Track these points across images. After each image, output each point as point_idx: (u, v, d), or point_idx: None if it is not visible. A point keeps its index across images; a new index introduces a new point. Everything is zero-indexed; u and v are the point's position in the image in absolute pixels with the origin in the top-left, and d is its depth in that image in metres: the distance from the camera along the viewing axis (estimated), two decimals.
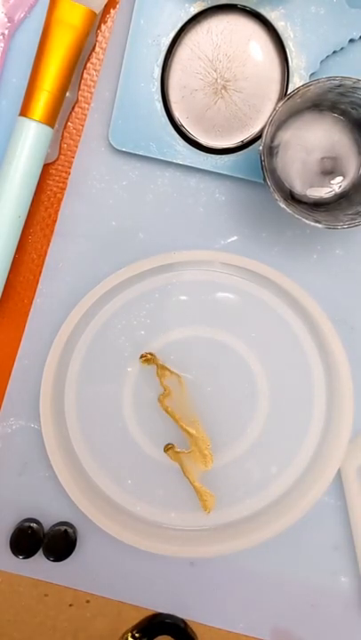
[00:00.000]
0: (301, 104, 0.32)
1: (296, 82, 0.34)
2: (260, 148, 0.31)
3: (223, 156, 0.35)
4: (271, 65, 0.34)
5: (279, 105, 0.30)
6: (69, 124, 0.36)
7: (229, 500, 0.36)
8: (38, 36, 0.33)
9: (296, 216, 0.30)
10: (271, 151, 0.33)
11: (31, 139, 0.32)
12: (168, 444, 0.35)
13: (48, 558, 0.36)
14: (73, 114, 0.36)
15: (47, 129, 0.33)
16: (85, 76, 0.36)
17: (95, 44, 0.36)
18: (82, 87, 0.36)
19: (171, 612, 0.37)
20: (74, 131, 0.36)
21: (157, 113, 0.34)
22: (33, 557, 0.36)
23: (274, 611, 0.37)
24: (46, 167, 0.36)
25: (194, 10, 0.34)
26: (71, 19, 0.32)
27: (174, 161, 0.35)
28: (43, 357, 0.35)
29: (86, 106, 0.36)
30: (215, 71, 0.34)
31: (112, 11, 0.36)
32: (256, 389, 0.36)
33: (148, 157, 0.35)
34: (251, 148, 0.35)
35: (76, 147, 0.36)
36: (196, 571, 0.37)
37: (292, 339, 0.36)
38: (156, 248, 0.35)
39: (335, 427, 0.35)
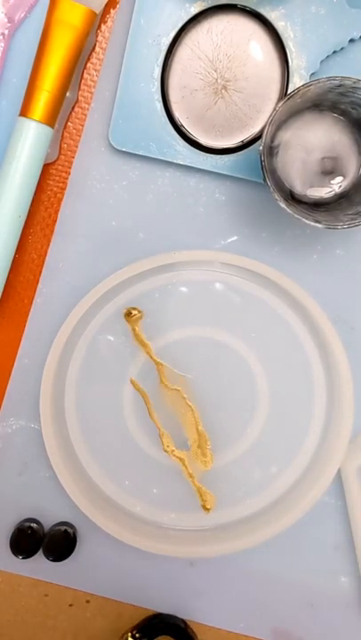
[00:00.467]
0: (302, 104, 0.32)
1: (296, 82, 0.34)
2: (261, 148, 0.31)
3: (223, 155, 0.35)
4: (271, 65, 0.34)
5: (279, 105, 0.30)
6: (69, 124, 0.36)
7: (229, 500, 0.36)
8: (38, 36, 0.33)
9: (296, 216, 0.30)
10: (271, 151, 0.33)
11: (31, 139, 0.32)
12: (168, 444, 0.35)
13: (48, 558, 0.36)
14: (73, 114, 0.36)
15: (47, 129, 0.33)
16: (85, 75, 0.36)
17: (95, 44, 0.36)
18: (82, 87, 0.36)
19: (171, 612, 0.37)
20: (74, 131, 0.36)
21: (157, 113, 0.34)
22: (33, 557, 0.36)
23: (274, 611, 0.37)
24: (46, 167, 0.36)
25: (194, 10, 0.34)
26: (71, 19, 0.32)
27: (174, 161, 0.35)
28: (43, 357, 0.35)
29: (86, 106, 0.36)
30: (215, 71, 0.34)
31: (112, 11, 0.36)
32: (256, 389, 0.36)
33: (148, 157, 0.35)
34: (251, 148, 0.35)
35: (76, 147, 0.36)
36: (196, 571, 0.37)
37: (292, 339, 0.36)
38: (156, 248, 0.35)
39: (335, 426, 0.35)
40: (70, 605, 0.37)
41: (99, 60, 0.36)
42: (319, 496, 0.34)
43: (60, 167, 0.36)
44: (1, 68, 0.35)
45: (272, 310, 0.36)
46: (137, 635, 0.36)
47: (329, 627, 0.37)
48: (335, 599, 0.37)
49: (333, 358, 0.35)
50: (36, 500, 0.37)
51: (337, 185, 0.34)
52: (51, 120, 0.33)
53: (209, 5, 0.33)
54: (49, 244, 0.36)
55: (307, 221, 0.30)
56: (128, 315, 0.35)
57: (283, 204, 0.30)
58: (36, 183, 0.34)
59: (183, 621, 0.37)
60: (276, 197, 0.30)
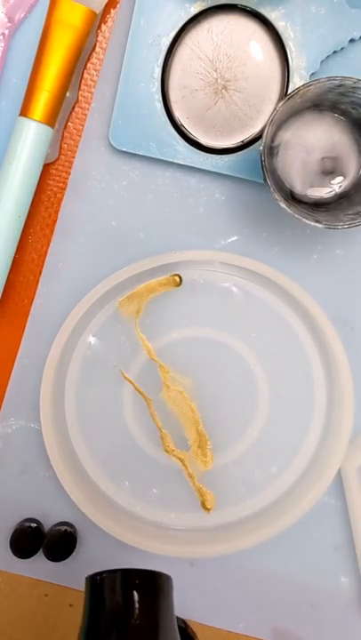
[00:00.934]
0: (302, 104, 0.32)
1: (296, 82, 0.34)
2: (261, 147, 0.31)
3: (223, 155, 0.35)
4: (271, 65, 0.34)
5: (279, 105, 0.30)
6: (69, 123, 0.36)
7: (229, 500, 0.36)
8: (38, 36, 0.33)
9: (296, 216, 0.30)
10: (271, 151, 0.33)
11: (31, 139, 0.32)
12: (168, 444, 0.35)
13: (48, 558, 0.36)
14: (73, 114, 0.36)
15: (47, 129, 0.33)
16: (85, 75, 0.36)
17: (95, 44, 0.36)
18: (82, 87, 0.36)
19: None
20: (74, 131, 0.36)
21: (158, 113, 0.34)
22: (33, 557, 0.36)
23: (274, 611, 0.37)
24: (46, 167, 0.36)
25: (194, 10, 0.34)
26: (71, 19, 0.32)
27: (174, 161, 0.35)
28: (43, 357, 0.35)
29: (86, 106, 0.36)
30: (215, 71, 0.34)
31: (112, 11, 0.36)
32: (256, 389, 0.36)
33: (148, 157, 0.35)
34: (251, 147, 0.35)
35: (77, 147, 0.36)
36: (196, 571, 0.37)
37: (292, 339, 0.36)
38: (156, 248, 0.35)
39: (335, 426, 0.35)
40: (70, 605, 0.37)
41: (99, 59, 0.36)
42: (319, 496, 0.34)
43: (60, 167, 0.36)
44: (1, 68, 0.35)
45: (272, 310, 0.36)
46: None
47: (329, 627, 0.37)
48: (335, 599, 0.37)
49: (333, 358, 0.35)
50: (36, 500, 0.37)
51: (337, 185, 0.34)
52: (51, 120, 0.33)
53: (209, 5, 0.33)
54: (49, 244, 0.36)
55: (307, 221, 0.30)
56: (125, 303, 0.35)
57: (283, 204, 0.30)
58: (36, 183, 0.34)
59: (183, 621, 0.36)
60: (277, 197, 0.30)
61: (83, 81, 0.36)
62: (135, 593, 0.26)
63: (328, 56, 0.34)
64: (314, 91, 0.31)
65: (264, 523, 0.35)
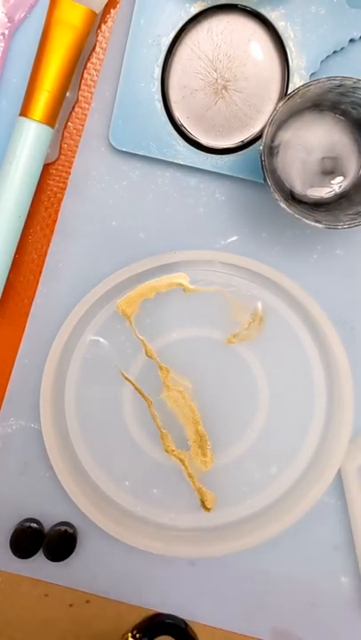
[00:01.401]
0: (302, 104, 0.32)
1: (296, 82, 0.34)
2: (261, 147, 0.31)
3: (223, 155, 0.35)
4: (271, 65, 0.34)
5: (279, 105, 0.30)
6: (69, 123, 0.36)
7: (229, 500, 0.36)
8: (38, 36, 0.33)
9: (296, 216, 0.30)
10: (271, 151, 0.33)
11: (31, 139, 0.32)
12: (168, 444, 0.35)
13: (48, 558, 0.36)
14: (73, 114, 0.36)
15: (47, 129, 0.33)
16: (85, 75, 0.36)
17: (95, 44, 0.36)
18: (82, 87, 0.36)
19: (171, 612, 0.37)
20: (74, 131, 0.36)
21: (158, 113, 0.34)
22: (33, 557, 0.36)
23: (274, 611, 0.37)
24: (46, 167, 0.36)
25: (194, 10, 0.34)
26: (71, 19, 0.32)
27: (174, 161, 0.35)
28: (43, 357, 0.35)
29: (86, 106, 0.36)
30: (215, 71, 0.34)
31: (112, 10, 0.36)
32: (256, 389, 0.36)
33: (148, 157, 0.35)
34: (251, 147, 0.35)
35: (77, 147, 0.36)
36: (196, 571, 0.37)
37: (292, 339, 0.36)
38: (156, 248, 0.35)
39: (335, 426, 0.35)
40: (70, 605, 0.37)
41: (99, 59, 0.36)
42: (319, 496, 0.34)
43: (60, 167, 0.36)
44: (1, 68, 0.35)
45: (272, 310, 0.36)
46: (137, 635, 0.36)
47: (329, 627, 0.37)
48: (335, 599, 0.37)
49: (333, 358, 0.35)
50: (36, 500, 0.37)
51: (337, 185, 0.34)
52: (51, 120, 0.33)
53: (209, 5, 0.33)
54: (49, 244, 0.36)
55: (307, 221, 0.30)
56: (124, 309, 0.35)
57: (283, 204, 0.30)
58: (36, 183, 0.34)
59: (183, 621, 0.37)
60: (277, 197, 0.30)
61: (83, 81, 0.36)
62: None
63: (328, 56, 0.34)
64: (314, 91, 0.31)
65: (264, 523, 0.35)
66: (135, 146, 0.35)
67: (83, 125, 0.36)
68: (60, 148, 0.36)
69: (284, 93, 0.34)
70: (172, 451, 0.35)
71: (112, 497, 0.36)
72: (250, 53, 0.34)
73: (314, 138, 0.34)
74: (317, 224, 0.30)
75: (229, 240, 0.36)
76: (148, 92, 0.34)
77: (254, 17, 0.34)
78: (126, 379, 0.35)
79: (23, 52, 0.35)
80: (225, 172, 0.35)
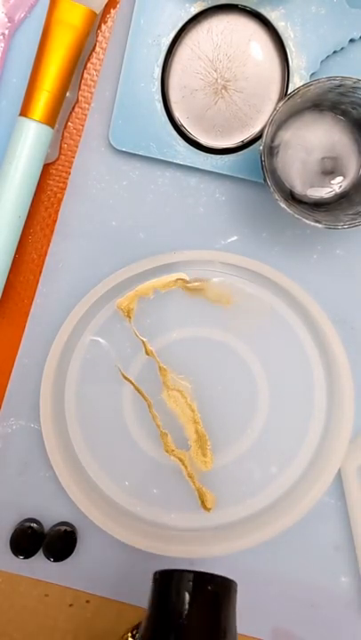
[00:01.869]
0: (302, 104, 0.32)
1: (296, 82, 0.34)
2: (261, 147, 0.31)
3: (223, 155, 0.35)
4: (271, 65, 0.34)
5: (279, 105, 0.30)
6: (69, 123, 0.36)
7: (229, 500, 0.36)
8: (38, 36, 0.33)
9: (296, 216, 0.30)
10: (271, 151, 0.33)
11: (31, 139, 0.32)
12: (168, 444, 0.35)
13: (48, 558, 0.36)
14: (73, 114, 0.36)
15: (47, 129, 0.33)
16: (86, 75, 0.36)
17: (95, 44, 0.36)
18: (82, 87, 0.36)
19: None
20: (74, 131, 0.36)
21: (158, 113, 0.34)
22: (33, 557, 0.36)
23: (274, 611, 0.37)
24: (46, 167, 0.36)
25: (194, 10, 0.34)
26: (71, 19, 0.32)
27: (174, 161, 0.35)
28: (43, 357, 0.35)
29: (86, 106, 0.36)
30: (215, 71, 0.34)
31: (112, 11, 0.36)
32: (256, 389, 0.36)
33: (148, 157, 0.35)
34: (251, 147, 0.35)
35: (77, 147, 0.36)
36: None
37: (292, 339, 0.36)
38: (156, 248, 0.35)
39: (336, 426, 0.35)
40: (70, 605, 0.37)
41: (99, 59, 0.36)
42: (319, 496, 0.34)
43: (60, 167, 0.36)
44: (1, 68, 0.35)
45: (272, 310, 0.36)
46: (137, 635, 0.36)
47: (329, 627, 0.37)
48: (335, 599, 0.37)
49: (333, 358, 0.35)
50: (36, 500, 0.37)
51: (337, 185, 0.34)
52: (51, 120, 0.33)
53: (209, 5, 0.33)
54: (49, 244, 0.36)
55: (307, 221, 0.30)
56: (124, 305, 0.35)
57: (283, 204, 0.30)
58: (36, 183, 0.34)
59: None
60: (277, 197, 0.30)
61: (83, 81, 0.36)
62: (203, 597, 0.26)
63: (328, 56, 0.34)
64: (314, 91, 0.31)
65: (264, 523, 0.35)
66: (135, 146, 0.35)
67: (83, 125, 0.36)
68: (60, 148, 0.36)
69: (284, 93, 0.34)
70: (172, 451, 0.35)
71: (112, 497, 0.35)
72: (250, 53, 0.34)
73: (314, 138, 0.34)
74: (317, 224, 0.30)
75: (229, 240, 0.36)
76: (148, 92, 0.34)
77: (254, 17, 0.34)
78: (126, 379, 0.35)
79: (23, 52, 0.35)
80: (225, 172, 0.35)
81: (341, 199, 0.34)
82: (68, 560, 0.36)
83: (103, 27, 0.36)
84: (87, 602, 0.37)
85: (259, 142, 0.34)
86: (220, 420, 0.36)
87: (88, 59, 0.36)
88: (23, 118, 0.32)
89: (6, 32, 0.35)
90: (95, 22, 0.34)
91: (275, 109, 0.30)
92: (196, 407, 0.36)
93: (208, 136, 0.35)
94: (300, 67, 0.34)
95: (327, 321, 0.34)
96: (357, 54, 0.34)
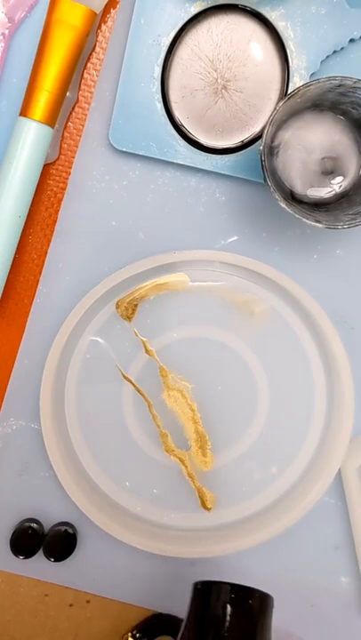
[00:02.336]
0: (302, 104, 0.32)
1: (296, 82, 0.34)
2: (261, 147, 0.31)
3: (223, 155, 0.35)
4: (272, 65, 0.34)
5: (280, 105, 0.30)
6: (70, 123, 0.36)
7: (229, 500, 0.36)
8: (38, 36, 0.33)
9: (297, 216, 0.30)
10: (272, 151, 0.33)
11: (31, 139, 0.32)
12: (168, 444, 0.35)
13: (48, 558, 0.36)
14: (73, 114, 0.36)
15: (47, 129, 0.33)
16: (86, 75, 0.36)
17: (95, 44, 0.36)
18: (82, 87, 0.36)
19: (171, 612, 0.37)
20: (74, 131, 0.36)
21: (158, 113, 0.34)
22: (33, 557, 0.36)
23: (274, 611, 0.37)
24: (46, 167, 0.36)
25: (194, 9, 0.34)
26: (71, 19, 0.32)
27: (174, 161, 0.35)
28: (43, 357, 0.35)
29: (86, 106, 0.36)
30: (215, 71, 0.34)
31: (112, 10, 0.36)
32: (256, 389, 0.36)
33: (148, 157, 0.35)
34: (251, 147, 0.35)
35: (77, 147, 0.36)
36: (196, 571, 0.37)
37: (292, 339, 0.36)
38: (156, 248, 0.35)
39: (336, 426, 0.35)
40: (70, 605, 0.37)
41: (99, 59, 0.36)
42: (319, 496, 0.34)
43: (60, 167, 0.36)
44: (1, 68, 0.35)
45: (272, 310, 0.36)
46: (137, 635, 0.36)
47: (329, 627, 0.37)
48: (335, 599, 0.37)
49: (333, 358, 0.35)
50: (36, 500, 0.37)
51: (337, 185, 0.34)
52: (51, 120, 0.33)
53: (209, 5, 0.33)
54: (49, 244, 0.36)
55: (307, 221, 0.30)
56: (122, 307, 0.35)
57: (283, 204, 0.30)
58: (36, 183, 0.34)
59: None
60: (277, 197, 0.30)
61: (83, 81, 0.36)
62: (244, 610, 0.27)
63: (328, 56, 0.34)
64: (314, 91, 0.31)
65: (264, 523, 0.35)
66: (135, 146, 0.35)
67: (83, 125, 0.36)
68: (60, 148, 0.36)
69: (284, 93, 0.34)
70: (172, 451, 0.35)
71: (112, 497, 0.35)
72: (250, 53, 0.34)
73: (314, 138, 0.34)
74: (317, 224, 0.30)
75: (229, 240, 0.36)
76: (148, 91, 0.34)
77: (254, 17, 0.34)
78: (126, 379, 0.35)
79: (23, 52, 0.35)
80: (225, 172, 0.35)
81: (341, 199, 0.34)
82: (68, 560, 0.36)
83: (103, 27, 0.36)
84: (87, 602, 0.37)
85: (259, 142, 0.34)
86: (221, 420, 0.36)
87: (88, 59, 0.36)
88: (23, 118, 0.32)
89: (6, 32, 0.35)
90: (95, 22, 0.34)
91: (275, 109, 0.30)
92: (196, 407, 0.36)
93: (208, 136, 0.35)
94: (300, 66, 0.34)
95: (327, 321, 0.34)
96: (357, 54, 0.34)
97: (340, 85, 0.30)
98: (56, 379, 0.35)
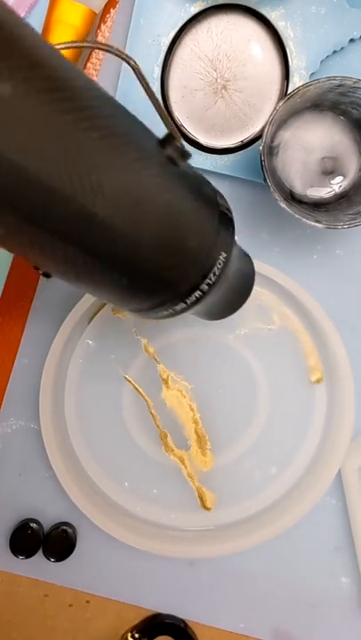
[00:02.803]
0: (302, 104, 0.32)
1: (296, 82, 0.34)
2: (261, 147, 0.31)
3: (223, 155, 0.35)
4: (271, 65, 0.34)
5: (279, 105, 0.30)
6: None
7: (229, 500, 0.36)
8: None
9: (297, 216, 0.30)
10: (271, 151, 0.33)
11: None
12: (168, 444, 0.35)
13: (48, 558, 0.36)
14: None
15: None
16: None
17: None
18: None
19: (171, 612, 0.37)
20: None
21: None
22: (33, 557, 0.36)
23: (274, 611, 0.37)
24: None
25: (194, 9, 0.34)
26: (71, 18, 0.32)
27: None
28: (43, 357, 0.35)
29: None
30: (215, 71, 0.34)
31: (112, 10, 0.36)
32: (256, 389, 0.36)
33: None
34: (251, 147, 0.34)
35: None
36: (196, 571, 0.37)
37: (292, 339, 0.36)
38: None
39: (336, 427, 0.35)
40: (70, 605, 0.37)
41: (99, 59, 0.36)
42: (320, 496, 0.34)
43: None
44: None
45: (272, 310, 0.36)
46: (137, 635, 0.36)
47: (329, 627, 0.37)
48: (336, 600, 0.37)
49: (333, 358, 0.35)
50: (36, 500, 0.37)
51: (337, 185, 0.34)
52: None
53: (209, 5, 0.33)
54: None
55: (307, 221, 0.30)
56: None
57: (283, 204, 0.30)
58: None
59: (183, 621, 0.36)
60: (277, 197, 0.30)
61: None
62: None
63: (328, 56, 0.34)
64: (314, 91, 0.31)
65: (264, 523, 0.35)
66: None
67: None
68: None
69: (284, 93, 0.34)
70: (172, 451, 0.35)
71: (112, 497, 0.35)
72: (250, 53, 0.34)
73: (314, 138, 0.34)
74: (317, 224, 0.30)
75: None
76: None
77: (254, 17, 0.34)
78: (126, 379, 0.35)
79: None
80: (225, 172, 0.35)
81: (341, 199, 0.34)
82: (68, 560, 0.36)
83: (103, 26, 0.36)
84: (87, 602, 0.37)
85: (259, 142, 0.34)
86: (220, 420, 0.36)
87: (88, 59, 0.36)
88: None
89: None
90: (95, 22, 0.34)
91: (275, 109, 0.30)
92: (196, 407, 0.36)
93: (208, 136, 0.35)
94: (300, 66, 0.34)
95: (328, 320, 0.34)
96: (357, 54, 0.34)
97: (340, 85, 0.30)
98: (56, 379, 0.35)
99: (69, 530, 0.36)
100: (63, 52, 0.32)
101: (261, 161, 0.30)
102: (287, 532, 0.34)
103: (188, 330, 0.36)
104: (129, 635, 0.36)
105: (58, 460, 0.34)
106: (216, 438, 0.36)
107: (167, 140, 0.21)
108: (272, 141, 0.33)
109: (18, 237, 0.17)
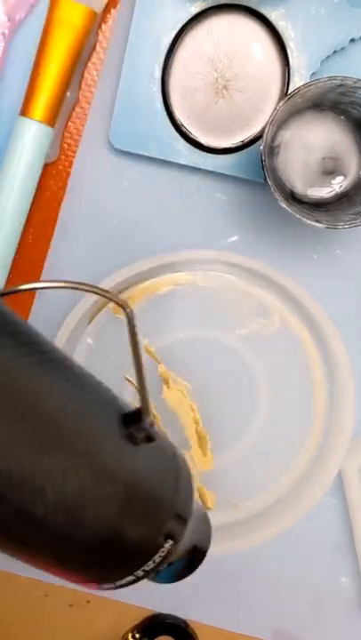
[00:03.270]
0: (302, 104, 0.32)
1: (297, 81, 0.34)
2: (261, 147, 0.31)
3: (224, 155, 0.35)
4: (272, 65, 0.34)
5: (280, 104, 0.30)
6: (70, 123, 0.36)
7: (229, 499, 0.36)
8: (38, 36, 0.33)
9: (297, 216, 0.30)
10: (272, 151, 0.33)
11: (31, 139, 0.32)
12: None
13: None
14: (73, 114, 0.36)
15: (47, 129, 0.33)
16: (86, 75, 0.36)
17: (96, 44, 0.36)
18: (82, 87, 0.36)
19: (171, 612, 0.37)
20: (74, 130, 0.36)
21: (158, 113, 0.34)
22: None
23: (274, 611, 0.37)
24: (46, 167, 0.36)
25: (195, 9, 0.34)
26: (72, 18, 0.32)
27: (175, 161, 0.35)
28: None
29: (87, 106, 0.36)
30: (216, 71, 0.34)
31: (113, 10, 0.36)
32: (256, 389, 0.36)
33: (148, 157, 0.35)
34: (252, 147, 0.34)
35: (77, 146, 0.36)
36: (196, 571, 0.37)
37: (292, 338, 0.36)
38: (156, 248, 0.35)
39: (336, 427, 0.35)
40: (71, 605, 0.37)
41: (99, 59, 0.36)
42: (320, 496, 0.34)
43: (60, 167, 0.36)
44: (1, 68, 0.35)
45: (272, 310, 0.36)
46: (137, 635, 0.36)
47: (329, 627, 0.37)
48: (336, 600, 0.37)
49: (334, 358, 0.35)
50: None
51: (338, 185, 0.34)
52: (51, 120, 0.33)
53: (209, 5, 0.33)
54: (49, 244, 0.36)
55: (307, 221, 0.30)
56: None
57: (284, 204, 0.30)
58: (36, 183, 0.34)
59: (184, 621, 0.37)
60: (277, 197, 0.30)
61: (83, 81, 0.36)
62: None
63: (328, 56, 0.34)
64: (314, 90, 0.31)
65: (264, 523, 0.35)
66: (135, 146, 0.35)
67: (83, 125, 0.36)
68: (60, 148, 0.36)
69: (284, 93, 0.34)
70: None
71: None
72: (250, 53, 0.34)
73: (314, 138, 0.34)
74: (318, 224, 0.30)
75: (230, 240, 0.36)
76: (149, 91, 0.34)
77: (255, 17, 0.34)
78: (127, 379, 0.35)
79: (23, 52, 0.35)
80: (225, 172, 0.35)
81: (342, 199, 0.34)
82: None
83: (104, 26, 0.36)
84: (87, 602, 0.37)
85: (259, 142, 0.34)
86: (221, 420, 0.36)
87: (88, 58, 0.36)
88: (23, 118, 0.32)
89: (6, 32, 0.35)
90: (96, 22, 0.34)
91: (275, 109, 0.30)
92: (197, 407, 0.36)
93: (209, 136, 0.35)
94: (301, 66, 0.34)
95: (328, 320, 0.34)
96: (358, 54, 0.34)
97: (340, 85, 0.30)
98: None
99: None
100: (63, 53, 0.32)
101: (262, 161, 0.30)
102: (287, 531, 0.34)
103: (188, 330, 0.36)
104: (129, 635, 0.36)
105: None
106: (216, 438, 0.36)
107: (134, 417, 0.19)
108: (273, 141, 0.33)
109: None
